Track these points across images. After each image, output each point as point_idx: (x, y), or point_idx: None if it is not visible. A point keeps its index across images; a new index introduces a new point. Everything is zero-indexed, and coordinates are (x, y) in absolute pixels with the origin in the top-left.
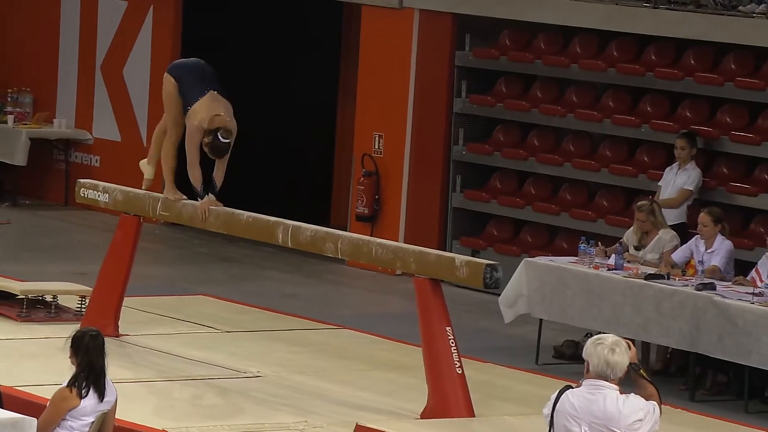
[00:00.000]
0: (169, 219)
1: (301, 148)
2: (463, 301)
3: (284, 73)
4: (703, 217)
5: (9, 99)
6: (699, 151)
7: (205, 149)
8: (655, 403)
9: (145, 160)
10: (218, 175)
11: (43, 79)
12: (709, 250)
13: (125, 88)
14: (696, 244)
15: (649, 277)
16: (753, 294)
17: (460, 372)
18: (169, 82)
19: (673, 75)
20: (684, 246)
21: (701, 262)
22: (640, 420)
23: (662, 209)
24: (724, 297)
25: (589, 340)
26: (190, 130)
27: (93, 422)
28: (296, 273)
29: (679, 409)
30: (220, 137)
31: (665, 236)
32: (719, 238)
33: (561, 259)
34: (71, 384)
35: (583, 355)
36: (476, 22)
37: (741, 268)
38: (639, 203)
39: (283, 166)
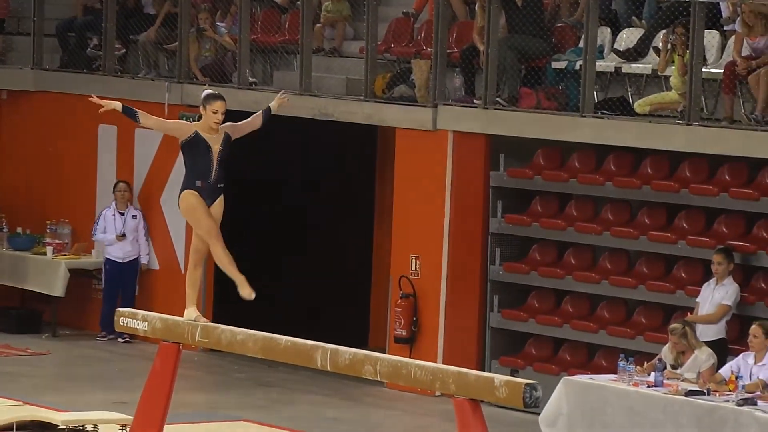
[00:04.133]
0: (208, 345)
1: (337, 270)
2: (503, 421)
3: (319, 195)
4: (755, 328)
5: (48, 230)
6: (736, 266)
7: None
8: None
9: (186, 310)
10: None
11: (81, 209)
12: (759, 363)
13: (162, 216)
14: (744, 358)
15: (689, 393)
16: None
17: None
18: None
19: (708, 191)
20: (732, 362)
21: (742, 377)
22: None
23: (701, 325)
24: (766, 412)
25: None
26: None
27: None
28: (335, 396)
29: None
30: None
31: (701, 356)
32: None
33: (600, 377)
34: None
35: None
36: (510, 142)
37: None
38: (671, 326)
39: (320, 289)
